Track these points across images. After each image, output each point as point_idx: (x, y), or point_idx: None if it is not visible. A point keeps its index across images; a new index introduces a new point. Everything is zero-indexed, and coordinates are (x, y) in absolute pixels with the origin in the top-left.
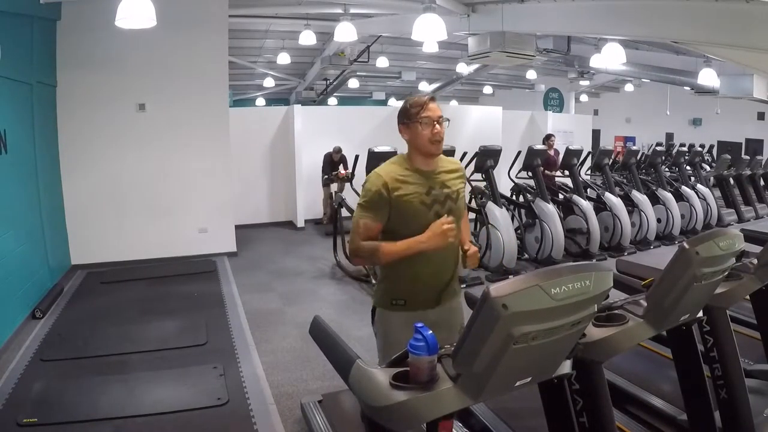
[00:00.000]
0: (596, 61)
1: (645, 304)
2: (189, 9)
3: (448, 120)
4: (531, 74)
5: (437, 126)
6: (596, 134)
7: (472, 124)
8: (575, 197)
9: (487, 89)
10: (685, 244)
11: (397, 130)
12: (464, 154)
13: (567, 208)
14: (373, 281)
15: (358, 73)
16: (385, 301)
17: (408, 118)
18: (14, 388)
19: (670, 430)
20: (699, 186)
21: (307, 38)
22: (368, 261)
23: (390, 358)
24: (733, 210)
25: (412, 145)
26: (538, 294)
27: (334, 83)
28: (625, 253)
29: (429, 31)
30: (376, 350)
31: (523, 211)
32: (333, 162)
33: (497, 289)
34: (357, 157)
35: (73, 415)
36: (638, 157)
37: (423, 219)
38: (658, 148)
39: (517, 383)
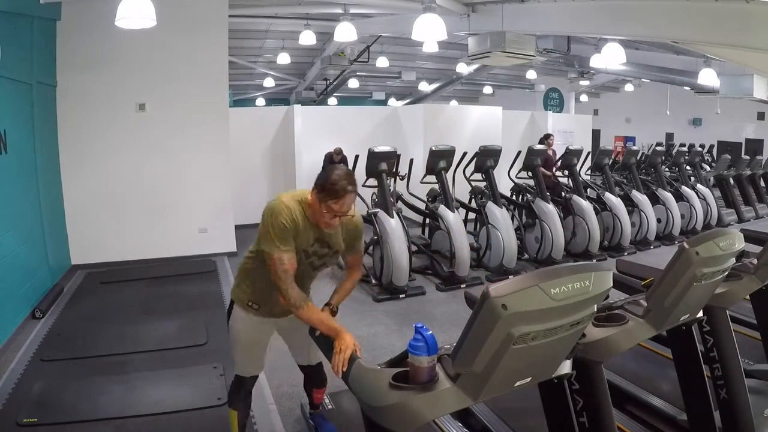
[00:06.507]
0: (596, 61)
1: (645, 304)
2: (189, 9)
3: (353, 215)
4: (531, 74)
5: (337, 219)
6: (596, 134)
7: (472, 124)
8: (575, 197)
9: (487, 89)
10: (685, 244)
11: (396, 130)
12: (464, 154)
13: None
14: (373, 281)
15: (358, 73)
16: (243, 300)
17: (321, 192)
18: (14, 388)
19: (670, 430)
20: (699, 186)
21: (307, 38)
22: (290, 306)
23: (238, 350)
24: (733, 210)
25: (313, 208)
26: (537, 294)
27: (334, 83)
28: (625, 253)
29: (429, 31)
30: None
31: (523, 211)
32: (333, 162)
33: (497, 289)
34: (357, 157)
35: (73, 415)
36: (638, 157)
37: (298, 266)
38: (658, 148)
39: (517, 383)
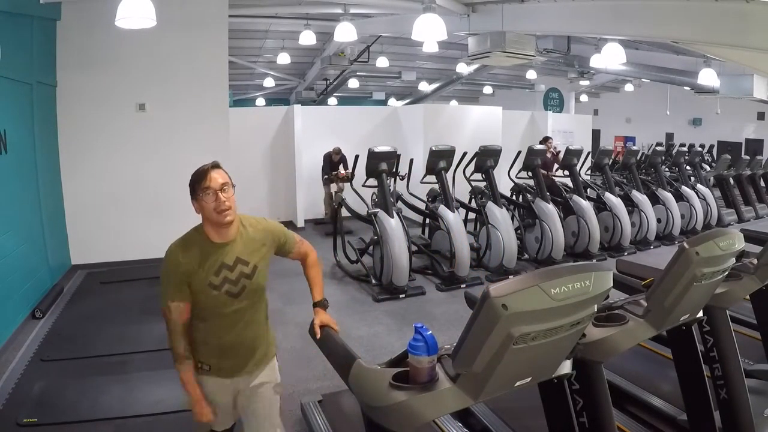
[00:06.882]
0: (596, 61)
1: (645, 304)
2: (189, 9)
3: (234, 186)
4: (531, 74)
5: (221, 195)
6: (596, 134)
7: (472, 124)
8: (575, 197)
9: (487, 89)
10: (685, 244)
11: (396, 130)
12: (464, 154)
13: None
14: (373, 281)
15: (358, 73)
16: (194, 362)
17: (193, 192)
18: (14, 388)
19: (670, 430)
20: (699, 186)
21: (307, 38)
22: (172, 354)
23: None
24: (733, 210)
25: (203, 218)
26: (537, 294)
27: (334, 83)
28: (625, 253)
29: (429, 31)
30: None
31: (523, 211)
32: (333, 162)
33: (497, 289)
34: (357, 157)
35: (73, 415)
36: (638, 157)
37: (213, 301)
38: (658, 148)
39: (517, 383)
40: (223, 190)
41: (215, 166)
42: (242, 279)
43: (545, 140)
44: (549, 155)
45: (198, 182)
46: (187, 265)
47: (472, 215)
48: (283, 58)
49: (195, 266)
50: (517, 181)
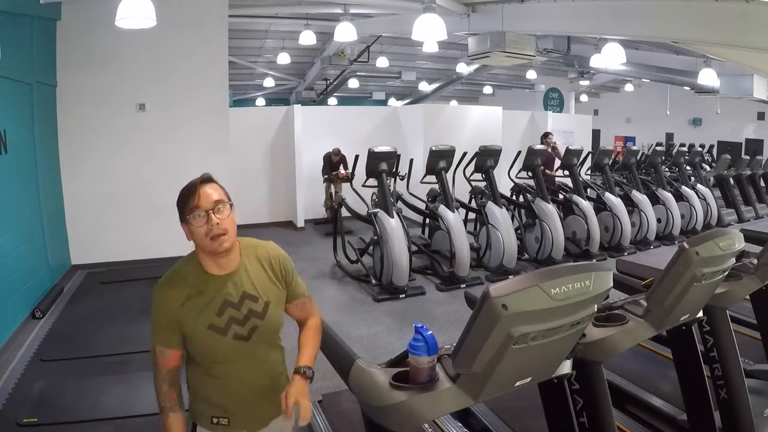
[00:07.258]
0: (596, 61)
1: (645, 304)
2: (189, 9)
3: (231, 204)
4: (531, 74)
5: (213, 217)
6: (596, 134)
7: (472, 124)
8: (575, 197)
9: (487, 89)
10: (685, 244)
11: (396, 130)
12: (464, 154)
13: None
14: (373, 281)
15: (358, 73)
16: (206, 417)
17: (181, 214)
18: (14, 388)
19: (670, 430)
20: (699, 186)
21: (307, 38)
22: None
23: None
24: (733, 210)
25: (196, 246)
26: (537, 294)
27: (334, 83)
28: (625, 253)
29: (429, 31)
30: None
31: (523, 211)
32: (332, 163)
33: (497, 289)
34: (357, 157)
35: (73, 415)
36: (638, 157)
37: (219, 346)
38: (658, 148)
39: (517, 383)
40: (216, 209)
41: (206, 180)
42: (252, 318)
43: (545, 136)
44: (550, 150)
45: (185, 201)
46: (178, 306)
47: (472, 215)
48: (283, 58)
49: (189, 307)
50: (517, 181)
